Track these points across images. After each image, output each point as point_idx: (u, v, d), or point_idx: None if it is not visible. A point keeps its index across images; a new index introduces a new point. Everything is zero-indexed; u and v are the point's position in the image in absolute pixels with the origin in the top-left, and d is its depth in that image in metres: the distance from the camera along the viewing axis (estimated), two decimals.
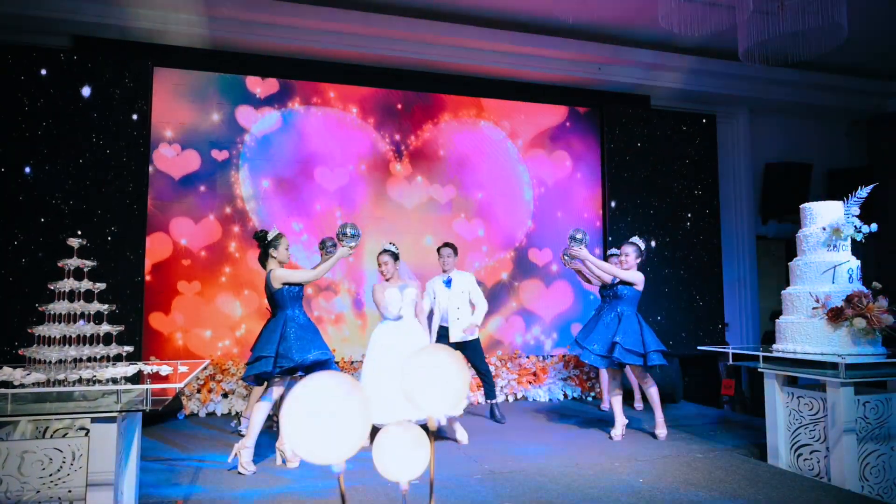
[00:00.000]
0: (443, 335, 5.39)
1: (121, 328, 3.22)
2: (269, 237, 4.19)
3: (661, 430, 4.95)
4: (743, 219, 8.22)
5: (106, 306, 3.18)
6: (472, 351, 5.42)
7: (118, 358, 3.23)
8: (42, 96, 5.49)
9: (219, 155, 6.27)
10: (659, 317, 7.05)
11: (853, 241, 4.31)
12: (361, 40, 6.31)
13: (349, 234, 4.27)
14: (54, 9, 5.48)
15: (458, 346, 5.31)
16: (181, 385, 2.89)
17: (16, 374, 2.86)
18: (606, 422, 5.33)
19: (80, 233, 5.16)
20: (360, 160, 6.70)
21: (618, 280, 4.97)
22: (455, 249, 5.48)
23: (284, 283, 4.12)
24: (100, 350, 3.07)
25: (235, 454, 4.02)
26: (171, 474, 3.96)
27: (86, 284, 3.13)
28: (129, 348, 3.32)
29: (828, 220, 4.32)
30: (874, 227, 4.20)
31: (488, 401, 5.68)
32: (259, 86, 6.45)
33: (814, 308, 4.13)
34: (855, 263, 4.28)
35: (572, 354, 6.80)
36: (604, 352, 4.85)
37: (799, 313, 4.26)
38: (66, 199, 5.49)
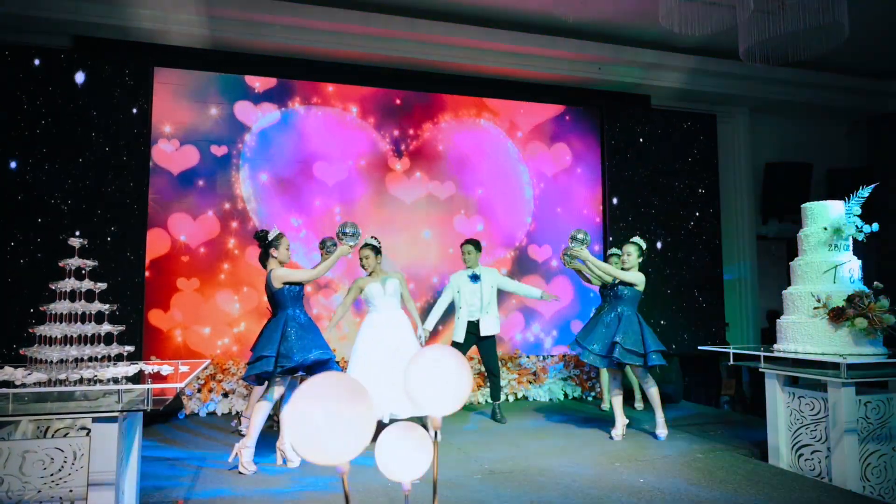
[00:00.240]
0: (471, 331, 5.47)
1: (122, 328, 3.22)
2: (270, 237, 4.19)
3: (662, 430, 4.95)
4: (743, 218, 8.22)
5: (107, 306, 3.18)
6: (488, 348, 5.52)
7: (119, 358, 3.23)
8: (42, 96, 5.49)
9: (218, 150, 6.26)
10: (659, 316, 7.04)
11: (854, 240, 4.31)
12: (361, 40, 6.30)
13: (349, 233, 4.27)
14: (55, 9, 5.47)
15: (478, 340, 5.47)
16: (182, 385, 2.89)
17: (17, 374, 2.86)
18: (607, 422, 5.33)
19: (77, 233, 5.20)
20: (359, 158, 6.70)
21: (618, 280, 4.97)
22: (476, 245, 5.59)
23: (285, 283, 4.12)
24: (101, 350, 3.07)
25: (236, 454, 4.02)
26: (171, 474, 3.96)
27: (87, 284, 3.13)
28: (130, 348, 3.32)
29: (829, 219, 4.32)
30: (875, 226, 4.20)
31: (493, 401, 5.70)
32: (259, 84, 6.44)
33: (815, 308, 4.13)
34: (856, 263, 4.28)
35: (572, 354, 6.80)
36: (603, 352, 4.86)
37: (800, 313, 4.26)
38: (66, 199, 5.49)
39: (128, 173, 5.70)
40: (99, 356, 3.08)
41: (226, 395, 5.98)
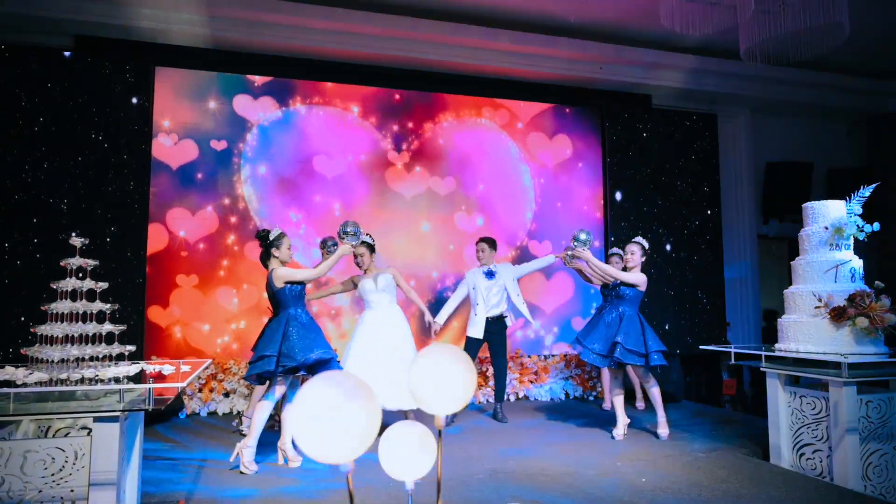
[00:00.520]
0: (487, 329, 5.50)
1: (123, 327, 3.22)
2: (272, 237, 4.19)
3: (663, 430, 4.94)
4: (744, 218, 8.22)
5: (108, 305, 3.18)
6: (498, 345, 5.55)
7: (120, 357, 3.23)
8: (42, 95, 5.49)
9: (217, 145, 6.25)
10: (660, 316, 7.04)
11: (855, 240, 4.30)
12: (362, 40, 6.30)
13: (350, 233, 4.27)
14: (56, 8, 5.47)
15: (488, 334, 5.50)
16: (183, 385, 2.88)
17: (18, 374, 2.85)
18: (608, 421, 5.32)
19: (75, 234, 5.17)
20: (359, 156, 6.69)
21: (620, 281, 4.96)
22: (490, 243, 5.63)
23: (287, 282, 4.12)
24: (102, 349, 3.07)
25: (237, 453, 4.02)
26: (173, 474, 3.96)
27: (88, 284, 3.13)
28: (132, 347, 3.31)
29: (830, 219, 4.31)
30: (876, 226, 4.20)
31: (495, 402, 5.70)
32: (258, 79, 6.43)
33: (816, 307, 4.13)
34: (857, 262, 4.28)
35: (574, 353, 6.79)
36: (604, 351, 4.86)
37: (801, 313, 4.26)
38: (66, 199, 5.48)
39: (128, 172, 5.69)
40: (100, 356, 3.07)
41: (227, 394, 5.98)
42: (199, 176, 6.19)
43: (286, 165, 6.46)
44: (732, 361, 4.65)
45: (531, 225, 7.24)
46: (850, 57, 7.37)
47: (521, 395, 6.80)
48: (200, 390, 5.91)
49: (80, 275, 3.17)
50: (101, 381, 2.87)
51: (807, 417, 4.09)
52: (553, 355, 7.10)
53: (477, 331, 5.48)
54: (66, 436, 2.69)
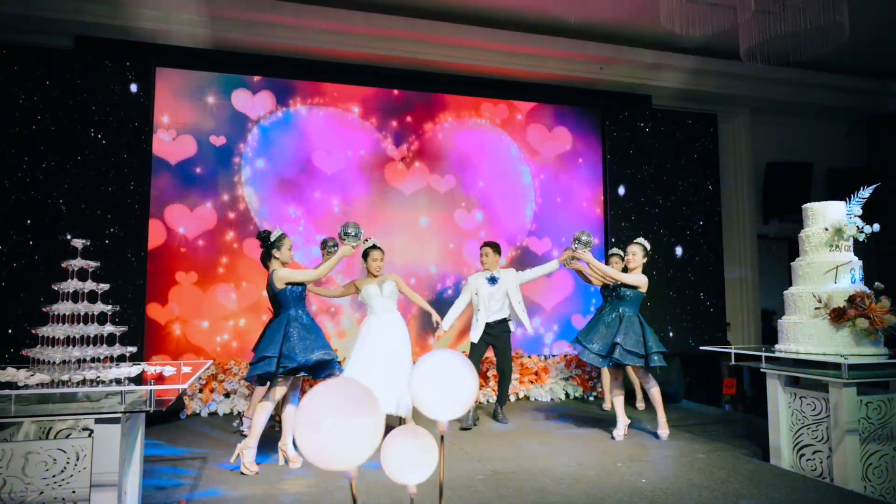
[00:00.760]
0: (488, 332, 5.48)
1: (124, 328, 3.22)
2: (273, 238, 4.19)
3: (663, 430, 4.95)
4: (744, 218, 8.22)
5: (109, 307, 3.19)
6: (503, 349, 5.53)
7: (121, 358, 3.23)
8: (42, 95, 5.48)
9: (216, 141, 6.25)
10: (660, 316, 7.04)
11: (855, 241, 4.31)
12: (362, 40, 6.30)
13: (351, 234, 4.27)
14: (56, 9, 5.47)
15: (492, 339, 5.47)
16: (184, 386, 2.89)
17: (20, 375, 2.86)
18: (608, 422, 5.33)
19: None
20: (359, 154, 6.69)
21: (620, 282, 4.97)
22: (494, 248, 5.58)
23: (287, 283, 4.12)
24: (103, 351, 3.07)
25: (238, 454, 4.02)
26: (173, 475, 3.96)
27: (90, 285, 3.13)
28: (133, 349, 3.32)
29: (830, 220, 4.32)
30: (876, 227, 4.20)
31: (497, 403, 5.70)
32: (258, 78, 6.44)
33: (816, 308, 4.13)
34: (857, 264, 4.28)
35: (574, 354, 6.79)
36: (603, 351, 4.86)
37: (801, 313, 4.26)
38: (66, 199, 5.47)
39: (128, 172, 5.68)
40: (101, 357, 3.08)
41: (227, 395, 5.99)
42: (198, 171, 6.18)
43: (286, 162, 6.46)
44: (733, 362, 4.66)
45: (531, 224, 7.25)
46: (849, 57, 7.37)
47: (521, 395, 6.80)
48: (201, 391, 5.92)
49: (82, 276, 3.17)
50: (103, 382, 2.88)
51: (807, 418, 4.09)
52: (553, 355, 7.10)
53: (475, 335, 5.48)
54: (67, 437, 2.70)
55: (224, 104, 6.31)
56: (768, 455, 4.35)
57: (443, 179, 6.95)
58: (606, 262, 5.94)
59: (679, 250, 7.37)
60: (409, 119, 6.90)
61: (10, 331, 5.13)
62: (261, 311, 6.12)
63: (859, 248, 4.39)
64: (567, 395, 6.94)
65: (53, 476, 2.59)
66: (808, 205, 4.51)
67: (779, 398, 4.26)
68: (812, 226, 4.42)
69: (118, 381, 2.91)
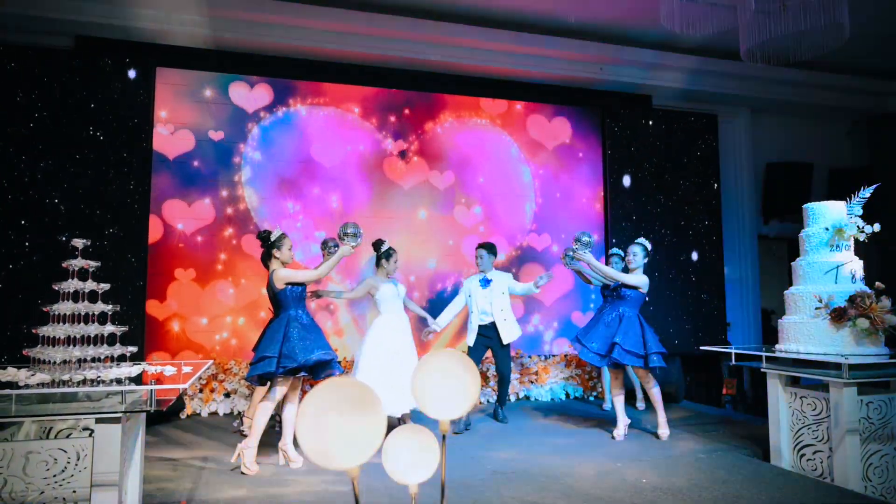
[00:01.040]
0: (483, 334, 5.45)
1: (125, 328, 3.22)
2: (273, 237, 4.19)
3: (664, 430, 4.95)
4: (744, 218, 8.22)
5: (110, 306, 3.19)
6: (505, 352, 5.51)
7: (122, 358, 3.23)
8: (42, 95, 5.48)
9: (215, 136, 6.24)
10: (661, 316, 7.04)
11: (856, 241, 4.31)
12: (363, 40, 6.30)
13: (351, 234, 4.28)
14: (56, 9, 5.47)
15: (488, 341, 5.44)
16: (185, 386, 2.89)
17: (20, 375, 2.86)
18: (608, 422, 5.33)
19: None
20: (359, 154, 6.69)
21: (621, 282, 4.96)
22: (488, 249, 5.55)
23: (288, 283, 4.12)
24: (104, 350, 3.07)
25: (239, 454, 4.02)
26: (174, 474, 3.96)
27: (90, 285, 3.13)
28: (133, 348, 3.32)
29: (830, 220, 4.32)
30: (877, 226, 4.20)
31: (497, 403, 5.70)
32: (258, 81, 6.44)
33: (817, 308, 4.13)
34: (858, 263, 4.28)
35: (574, 353, 6.80)
36: (602, 351, 4.87)
37: (802, 313, 4.26)
38: (65, 199, 5.46)
39: (129, 172, 5.68)
40: (102, 357, 3.08)
41: (228, 395, 5.99)
42: (196, 165, 6.16)
43: (284, 158, 6.45)
44: (733, 362, 4.66)
45: (532, 224, 7.25)
46: (850, 57, 7.36)
47: (521, 395, 6.80)
48: (201, 391, 5.92)
49: (82, 276, 3.17)
50: (103, 382, 2.88)
51: (807, 418, 4.09)
52: (553, 355, 7.10)
53: (470, 338, 5.48)
54: (68, 437, 2.70)
55: (224, 103, 6.30)
56: (769, 455, 4.35)
57: (442, 176, 6.95)
58: (606, 263, 5.94)
59: (679, 250, 7.37)
60: (409, 119, 6.90)
61: (8, 333, 5.12)
62: (259, 308, 6.13)
63: (860, 248, 4.39)
64: (567, 394, 6.94)
65: (54, 476, 2.59)
66: (809, 205, 4.51)
67: (779, 398, 4.26)
68: (813, 226, 4.43)
69: (119, 381, 2.91)
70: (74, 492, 2.61)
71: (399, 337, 4.96)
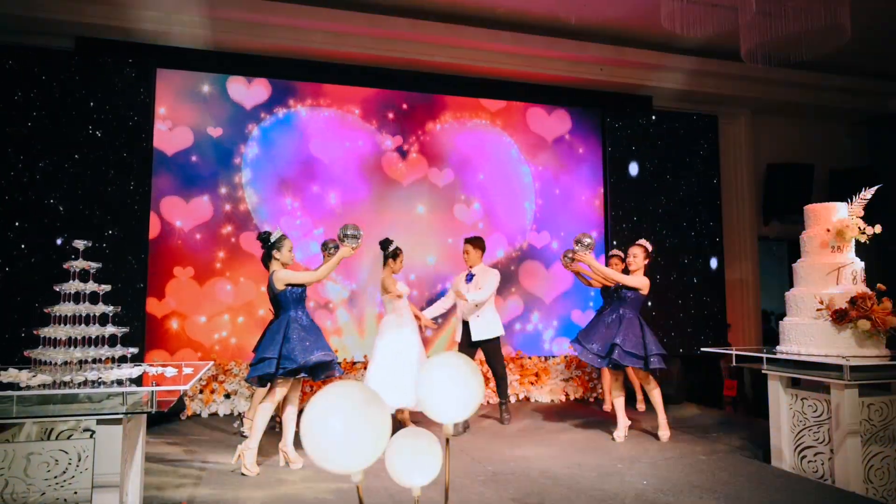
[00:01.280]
0: (466, 331, 5.44)
1: (126, 329, 3.22)
2: (273, 239, 4.19)
3: (664, 432, 4.95)
4: (745, 219, 8.22)
5: (111, 308, 3.18)
6: (492, 351, 5.46)
7: (123, 359, 3.23)
8: (41, 95, 5.47)
9: (214, 132, 6.24)
10: (661, 317, 7.04)
11: (857, 242, 4.30)
12: (363, 41, 6.30)
13: (350, 235, 4.26)
14: (57, 10, 5.46)
15: (476, 344, 5.37)
16: (186, 387, 2.89)
17: (22, 376, 2.86)
18: (609, 423, 5.33)
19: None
20: (358, 153, 6.69)
21: (621, 284, 4.96)
22: (473, 244, 5.48)
23: (287, 285, 4.12)
24: (105, 352, 3.07)
25: (239, 455, 4.02)
26: (174, 475, 3.96)
27: (91, 286, 3.13)
28: (134, 350, 3.31)
29: (832, 221, 4.32)
30: (878, 228, 4.20)
31: (500, 400, 5.66)
32: (258, 81, 6.44)
33: (818, 310, 4.13)
34: (859, 265, 4.28)
35: (574, 355, 6.79)
36: (602, 352, 4.86)
37: (803, 315, 4.26)
38: (64, 200, 5.45)
39: (129, 173, 5.68)
40: (103, 358, 3.08)
41: (228, 395, 5.98)
42: (194, 160, 6.16)
43: (284, 158, 6.45)
44: (734, 363, 4.65)
45: (532, 224, 7.24)
46: (850, 58, 7.36)
47: (521, 396, 6.80)
48: (201, 391, 5.91)
49: (83, 277, 3.17)
50: (104, 383, 2.87)
51: (808, 420, 4.09)
52: (553, 356, 7.09)
53: (458, 334, 5.46)
54: (69, 438, 2.70)
55: (224, 104, 6.30)
56: (769, 457, 4.35)
57: (441, 173, 6.95)
58: (606, 264, 5.93)
59: (680, 251, 7.36)
60: (409, 119, 6.90)
61: (6, 336, 5.12)
62: (258, 307, 6.13)
63: (861, 250, 4.39)
64: (567, 396, 6.93)
65: (55, 477, 2.59)
66: (810, 206, 4.51)
67: (780, 400, 4.26)
68: (814, 227, 4.43)
69: (120, 383, 2.91)
70: (76, 493, 2.60)
71: (406, 336, 4.96)
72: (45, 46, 5.68)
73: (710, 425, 5.57)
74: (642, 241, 5.04)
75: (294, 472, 4.07)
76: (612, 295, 5.09)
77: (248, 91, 6.40)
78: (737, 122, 8.27)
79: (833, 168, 8.69)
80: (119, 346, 3.18)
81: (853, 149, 8.96)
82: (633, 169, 7.28)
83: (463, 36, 6.47)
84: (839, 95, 8.20)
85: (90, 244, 3.28)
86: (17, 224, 5.34)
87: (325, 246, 5.31)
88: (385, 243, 5.09)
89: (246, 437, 4.46)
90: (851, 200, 4.35)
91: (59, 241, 5.32)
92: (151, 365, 3.61)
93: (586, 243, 4.92)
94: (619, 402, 5.03)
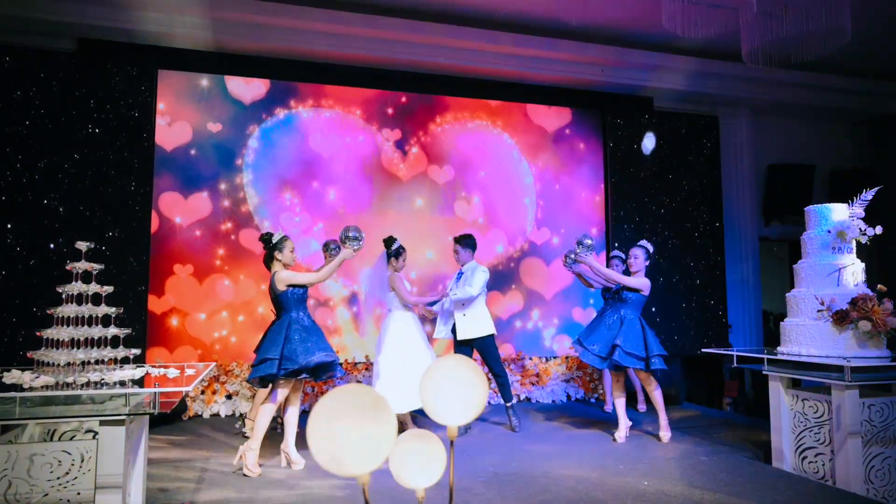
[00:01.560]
0: (454, 330, 5.39)
1: (128, 331, 3.23)
2: (274, 239, 4.20)
3: (665, 433, 4.95)
4: (746, 220, 8.22)
5: (113, 309, 3.19)
6: (484, 351, 5.35)
7: (125, 360, 3.24)
8: (40, 94, 5.46)
9: (213, 127, 6.25)
10: (662, 318, 7.05)
11: (858, 243, 4.31)
12: (364, 42, 6.30)
13: (352, 237, 4.27)
14: (59, 12, 5.47)
15: (469, 343, 5.31)
16: (188, 389, 2.89)
17: (24, 377, 2.86)
18: (610, 424, 5.33)
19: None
20: (358, 152, 6.70)
21: (623, 285, 4.96)
22: (461, 242, 5.38)
23: (289, 285, 4.13)
24: (107, 353, 3.08)
25: (241, 456, 4.02)
26: (176, 476, 3.97)
27: (94, 287, 3.14)
28: (136, 351, 3.32)
29: (833, 222, 4.32)
30: (879, 229, 4.20)
31: (506, 403, 5.48)
32: (259, 82, 6.46)
33: (819, 311, 4.13)
34: (860, 266, 4.28)
35: (575, 355, 6.80)
36: (603, 353, 4.87)
37: (804, 316, 4.27)
38: (63, 200, 5.45)
39: (130, 172, 5.68)
40: (105, 359, 3.08)
41: (229, 396, 5.99)
42: (194, 158, 6.16)
43: (285, 158, 6.46)
44: (735, 364, 4.66)
45: (532, 225, 7.25)
46: (852, 58, 7.37)
47: (522, 397, 6.80)
48: (203, 392, 5.92)
49: (86, 279, 3.18)
50: (107, 384, 2.88)
51: (809, 421, 4.10)
52: (555, 357, 7.10)
53: (449, 331, 5.38)
54: (72, 439, 2.71)
55: (224, 104, 6.31)
56: (770, 457, 4.35)
57: (441, 171, 6.95)
58: (607, 265, 5.93)
59: (680, 252, 7.36)
60: (410, 120, 6.91)
61: (6, 339, 5.12)
62: (257, 304, 6.14)
63: (862, 251, 4.39)
64: (569, 396, 6.94)
65: (58, 478, 2.60)
66: (811, 207, 4.52)
67: (781, 400, 4.27)
68: (815, 228, 4.43)
69: (122, 384, 2.92)
70: (78, 494, 2.61)
71: (415, 335, 4.96)
72: (47, 48, 5.67)
73: (710, 426, 5.58)
74: (643, 243, 5.05)
75: (296, 472, 4.08)
76: (613, 296, 5.09)
77: (249, 91, 6.41)
78: (738, 123, 8.26)
79: (834, 169, 8.69)
80: (121, 347, 3.19)
81: (854, 149, 8.96)
82: (623, 192, 7.20)
83: (463, 37, 6.48)
84: (840, 96, 8.20)
85: (92, 245, 3.28)
86: (18, 225, 5.33)
87: (326, 247, 5.32)
88: (389, 241, 5.08)
89: (248, 437, 4.46)
90: (852, 201, 4.36)
91: (58, 242, 5.31)
92: (154, 366, 3.61)
93: (587, 245, 4.92)
94: (621, 403, 5.04)
